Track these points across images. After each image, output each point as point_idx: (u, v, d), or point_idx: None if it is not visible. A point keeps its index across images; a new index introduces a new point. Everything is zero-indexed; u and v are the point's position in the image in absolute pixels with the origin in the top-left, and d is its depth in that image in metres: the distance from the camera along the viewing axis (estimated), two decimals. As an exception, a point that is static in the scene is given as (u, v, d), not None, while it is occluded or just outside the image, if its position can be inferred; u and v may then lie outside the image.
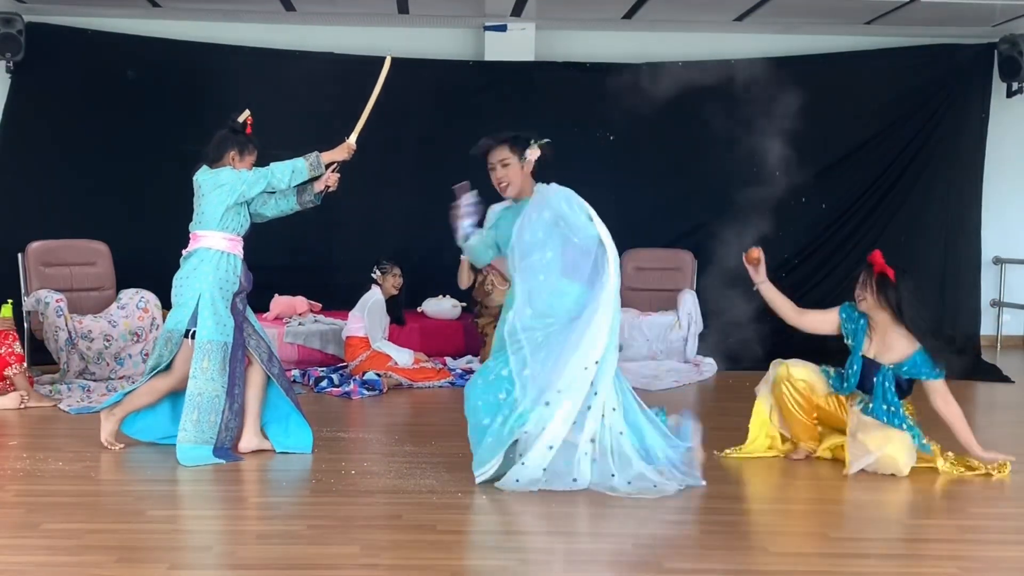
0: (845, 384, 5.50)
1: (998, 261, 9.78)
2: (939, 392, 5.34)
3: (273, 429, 5.67)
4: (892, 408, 5.35)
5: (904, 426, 5.34)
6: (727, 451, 5.73)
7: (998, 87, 9.58)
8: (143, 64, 9.16)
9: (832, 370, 5.63)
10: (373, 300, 7.79)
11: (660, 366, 8.42)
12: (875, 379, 5.39)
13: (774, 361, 5.73)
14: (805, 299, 9.62)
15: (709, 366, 8.50)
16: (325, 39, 9.30)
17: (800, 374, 5.58)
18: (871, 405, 5.40)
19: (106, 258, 8.12)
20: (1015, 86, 9.37)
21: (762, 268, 5.60)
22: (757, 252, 5.56)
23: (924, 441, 5.37)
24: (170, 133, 8.48)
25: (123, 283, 8.04)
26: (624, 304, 8.87)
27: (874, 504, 5.07)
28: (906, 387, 5.41)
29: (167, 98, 8.92)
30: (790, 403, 5.55)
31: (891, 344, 5.36)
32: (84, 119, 9.00)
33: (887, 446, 5.30)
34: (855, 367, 5.46)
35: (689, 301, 8.75)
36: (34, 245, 8.02)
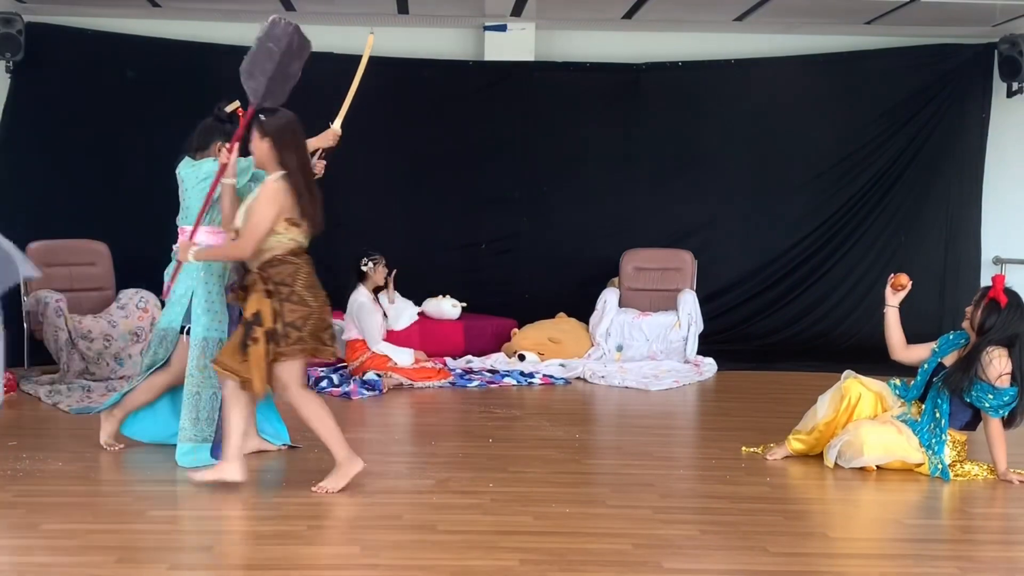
0: (912, 386, 5.52)
1: (998, 261, 9.78)
2: (993, 424, 5.31)
3: (265, 427, 5.66)
4: (937, 428, 5.35)
5: (936, 447, 5.33)
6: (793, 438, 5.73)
7: (998, 87, 9.57)
8: (143, 64, 9.15)
9: (899, 380, 5.65)
10: (357, 304, 7.74)
11: (660, 366, 8.42)
12: (931, 391, 5.41)
13: (845, 373, 5.68)
14: (804, 299, 9.71)
15: (709, 366, 8.50)
16: (325, 39, 9.27)
17: (874, 385, 5.59)
18: (919, 420, 5.40)
19: (106, 258, 8.12)
20: (1015, 86, 9.37)
21: (902, 295, 5.60)
22: (906, 280, 5.59)
23: (946, 468, 5.31)
24: (170, 133, 8.44)
25: (123, 283, 8.03)
26: (624, 304, 8.98)
27: (874, 504, 5.07)
28: (970, 418, 5.39)
29: (167, 98, 8.91)
30: (850, 401, 5.53)
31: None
32: (84, 119, 9.00)
33: (862, 429, 5.34)
34: (926, 366, 5.47)
35: (689, 301, 8.75)
36: (34, 245, 8.01)
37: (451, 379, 7.73)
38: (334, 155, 5.79)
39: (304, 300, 4.96)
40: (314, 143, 5.55)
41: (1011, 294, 5.34)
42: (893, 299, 5.62)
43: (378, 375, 7.50)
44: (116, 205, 8.93)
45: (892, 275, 5.65)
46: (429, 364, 7.82)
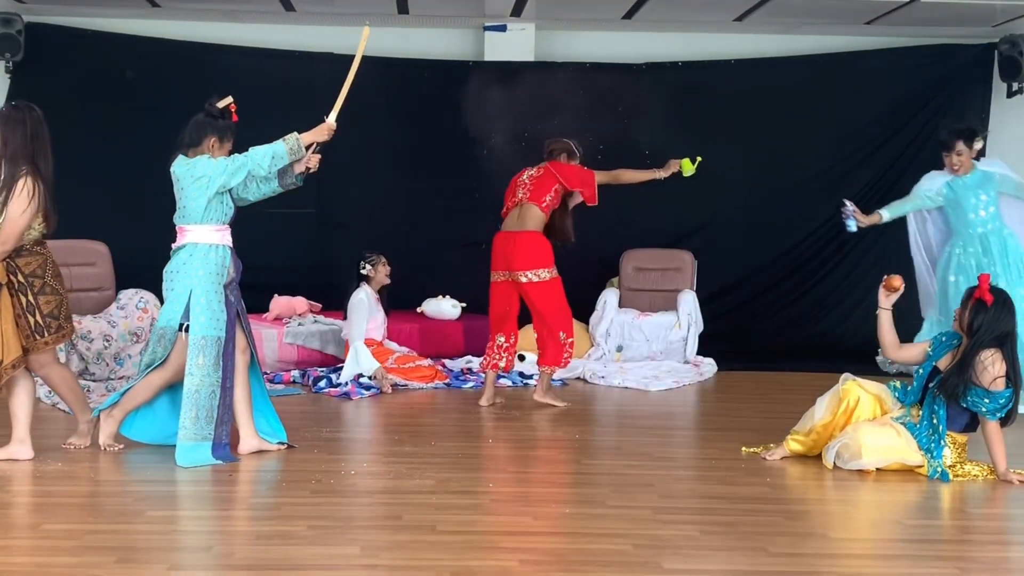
0: (909, 390, 5.50)
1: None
2: (991, 426, 5.29)
3: (262, 424, 5.67)
4: (935, 433, 5.34)
5: (934, 451, 5.32)
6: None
7: (998, 87, 9.57)
8: (143, 64, 9.16)
9: (899, 382, 5.64)
10: (355, 300, 7.71)
11: (660, 366, 8.41)
12: (927, 397, 5.39)
13: (844, 376, 5.66)
14: (804, 299, 9.71)
15: (709, 366, 8.50)
16: (325, 39, 9.30)
17: (873, 388, 5.56)
18: (918, 424, 5.39)
19: (106, 258, 8.10)
20: (1015, 86, 9.36)
21: (894, 297, 5.60)
22: (899, 282, 5.59)
23: (945, 471, 5.30)
24: (170, 133, 8.40)
25: (123, 283, 8.02)
26: (624, 304, 8.98)
27: (874, 504, 5.07)
28: (969, 420, 5.37)
29: (167, 98, 8.91)
30: (848, 404, 5.50)
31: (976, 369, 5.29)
32: (84, 119, 8.99)
33: (861, 431, 5.33)
34: (922, 371, 5.45)
35: (689, 301, 8.75)
36: (34, 245, 8.00)
37: (446, 381, 7.73)
38: (331, 153, 5.78)
39: (56, 290, 5.33)
40: (309, 137, 5.52)
41: (997, 292, 5.33)
42: (886, 301, 5.62)
43: (371, 376, 7.50)
44: (116, 205, 8.93)
45: (885, 277, 5.65)
46: (424, 363, 7.80)
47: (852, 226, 7.42)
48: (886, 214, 7.48)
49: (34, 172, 5.19)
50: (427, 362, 7.85)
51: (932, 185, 7.42)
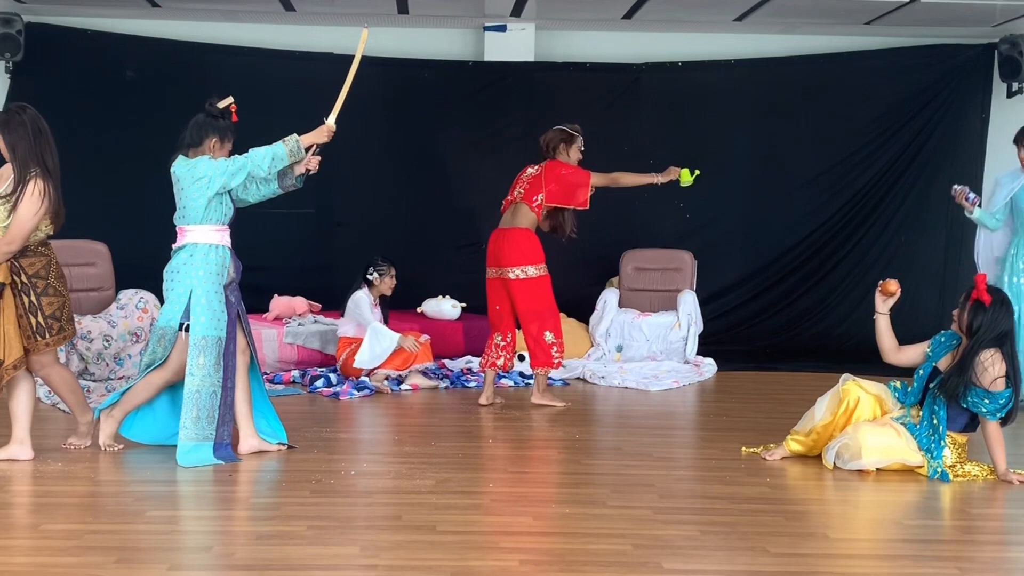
0: (909, 391, 5.50)
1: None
2: (991, 427, 5.29)
3: (262, 424, 5.67)
4: (935, 433, 5.34)
5: (934, 452, 5.32)
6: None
7: (998, 87, 9.57)
8: (143, 64, 9.17)
9: (899, 382, 5.63)
10: (355, 300, 7.66)
11: (660, 366, 8.41)
12: (927, 398, 5.39)
13: (844, 376, 5.65)
14: (804, 299, 9.70)
15: (709, 366, 8.49)
16: (325, 39, 9.31)
17: (873, 388, 5.56)
18: (918, 424, 5.38)
19: (106, 258, 8.10)
20: (1015, 86, 9.37)
21: (891, 301, 5.59)
22: (895, 287, 5.58)
23: (945, 471, 5.31)
24: (170, 133, 8.40)
25: (123, 283, 8.02)
26: (624, 304, 8.98)
27: (874, 504, 5.07)
28: (969, 420, 5.37)
29: (167, 98, 8.92)
30: (848, 405, 5.50)
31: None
32: (84, 119, 9.00)
33: (861, 431, 5.33)
34: (922, 372, 5.45)
35: (689, 301, 8.75)
36: (34, 245, 8.00)
37: (432, 363, 7.73)
38: (331, 153, 5.77)
39: (59, 291, 5.32)
40: (308, 139, 5.52)
41: (995, 292, 5.34)
42: (883, 306, 5.61)
43: (366, 376, 7.50)
44: (116, 205, 8.93)
45: (881, 282, 5.64)
46: (422, 339, 7.74)
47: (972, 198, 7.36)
48: (977, 212, 7.46)
49: (44, 173, 5.20)
50: (424, 338, 7.78)
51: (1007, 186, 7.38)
